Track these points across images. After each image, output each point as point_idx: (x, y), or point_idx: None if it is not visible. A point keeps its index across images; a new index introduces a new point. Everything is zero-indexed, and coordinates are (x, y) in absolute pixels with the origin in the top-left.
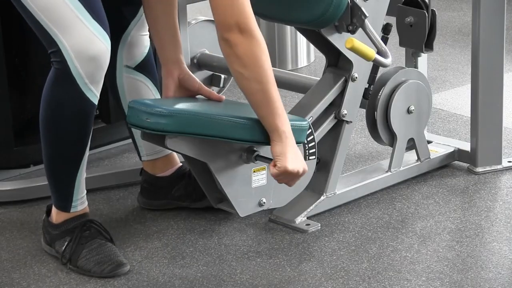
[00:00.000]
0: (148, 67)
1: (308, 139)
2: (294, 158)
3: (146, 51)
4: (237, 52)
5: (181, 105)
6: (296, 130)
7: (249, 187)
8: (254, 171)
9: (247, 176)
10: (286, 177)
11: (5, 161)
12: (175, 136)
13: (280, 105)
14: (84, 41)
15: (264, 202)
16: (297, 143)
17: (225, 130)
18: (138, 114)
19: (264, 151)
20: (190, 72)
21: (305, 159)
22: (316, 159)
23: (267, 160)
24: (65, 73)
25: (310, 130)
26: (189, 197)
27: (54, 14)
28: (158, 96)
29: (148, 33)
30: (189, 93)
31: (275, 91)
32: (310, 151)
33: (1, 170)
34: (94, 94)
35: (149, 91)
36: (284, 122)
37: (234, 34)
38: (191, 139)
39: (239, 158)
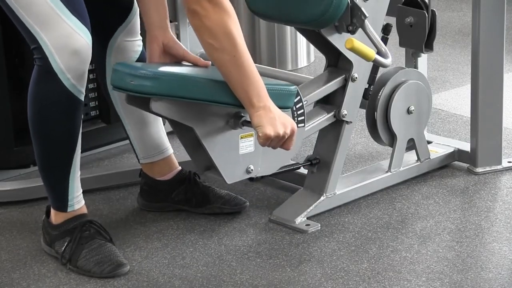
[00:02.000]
0: None
1: (297, 106)
2: (273, 123)
3: (137, 56)
4: (206, 23)
5: (167, 68)
6: (283, 95)
7: (237, 153)
8: (242, 138)
9: (234, 142)
10: (274, 142)
11: (5, 161)
12: (160, 99)
13: (254, 75)
14: (63, 36)
15: (252, 169)
16: (285, 108)
17: (211, 93)
18: (122, 76)
19: None
20: (175, 38)
21: None
22: (304, 126)
23: None
24: (47, 69)
25: (298, 97)
26: (188, 202)
27: (33, 10)
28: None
29: (139, 38)
30: (174, 60)
31: (247, 61)
32: (299, 119)
33: (1, 170)
34: (78, 90)
35: None
36: (259, 93)
37: (202, 4)
38: (176, 102)
39: (226, 124)
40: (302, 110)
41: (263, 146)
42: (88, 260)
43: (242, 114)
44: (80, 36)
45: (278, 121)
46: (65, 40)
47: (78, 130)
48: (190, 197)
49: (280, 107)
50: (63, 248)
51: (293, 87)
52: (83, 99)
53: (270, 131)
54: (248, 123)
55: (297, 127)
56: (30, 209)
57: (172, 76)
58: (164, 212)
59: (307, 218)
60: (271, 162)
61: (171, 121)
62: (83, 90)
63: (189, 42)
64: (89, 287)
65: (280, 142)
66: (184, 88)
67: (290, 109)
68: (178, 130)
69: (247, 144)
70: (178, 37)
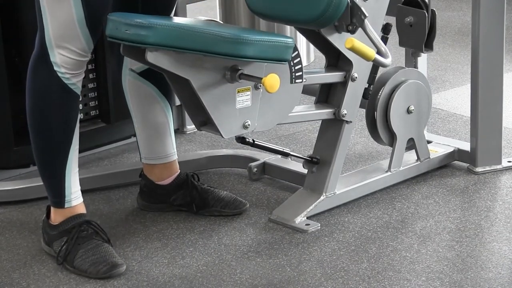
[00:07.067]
0: (155, 74)
1: (295, 61)
2: None
3: None
4: None
5: (163, 19)
6: (280, 47)
7: (233, 107)
8: (238, 92)
9: (231, 96)
10: None
11: (5, 161)
12: (155, 49)
13: None
14: (63, 31)
15: (249, 125)
16: (282, 60)
17: (208, 44)
18: (117, 25)
19: (248, 69)
20: None
21: (291, 82)
22: (302, 82)
23: (252, 78)
24: (42, 55)
25: (296, 52)
26: (187, 206)
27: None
28: (167, 105)
29: None
30: None
31: None
32: (297, 74)
33: (1, 170)
34: (72, 83)
35: (153, 99)
36: None
37: None
38: (172, 53)
39: (222, 77)
40: (299, 66)
41: None
42: (84, 260)
43: (239, 67)
44: (80, 39)
45: None
46: (63, 35)
47: (74, 121)
48: (189, 202)
49: (277, 60)
50: (60, 248)
51: (290, 40)
52: (78, 93)
53: None
54: (245, 77)
55: (295, 82)
56: (30, 209)
57: (168, 25)
58: (164, 212)
59: (307, 218)
60: (268, 118)
61: (168, 74)
62: (78, 84)
63: None
64: (89, 287)
65: None
66: (180, 38)
67: (287, 63)
68: (175, 84)
69: (244, 98)
70: None
